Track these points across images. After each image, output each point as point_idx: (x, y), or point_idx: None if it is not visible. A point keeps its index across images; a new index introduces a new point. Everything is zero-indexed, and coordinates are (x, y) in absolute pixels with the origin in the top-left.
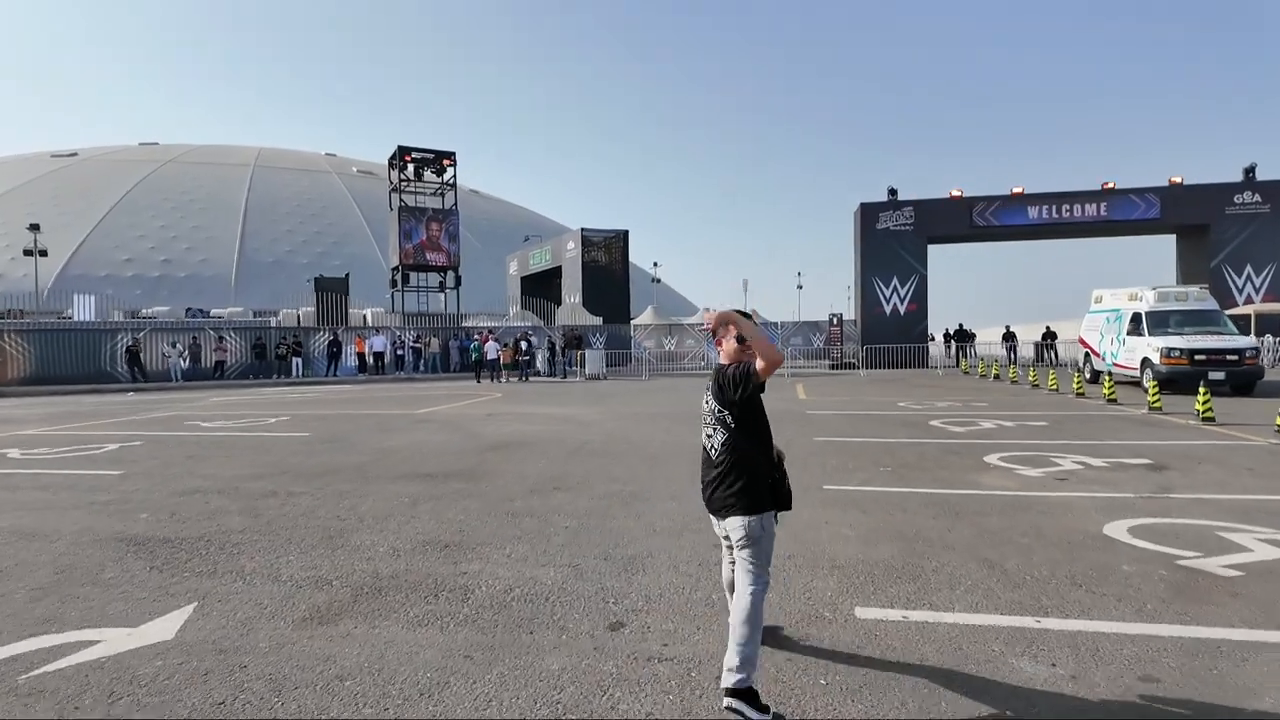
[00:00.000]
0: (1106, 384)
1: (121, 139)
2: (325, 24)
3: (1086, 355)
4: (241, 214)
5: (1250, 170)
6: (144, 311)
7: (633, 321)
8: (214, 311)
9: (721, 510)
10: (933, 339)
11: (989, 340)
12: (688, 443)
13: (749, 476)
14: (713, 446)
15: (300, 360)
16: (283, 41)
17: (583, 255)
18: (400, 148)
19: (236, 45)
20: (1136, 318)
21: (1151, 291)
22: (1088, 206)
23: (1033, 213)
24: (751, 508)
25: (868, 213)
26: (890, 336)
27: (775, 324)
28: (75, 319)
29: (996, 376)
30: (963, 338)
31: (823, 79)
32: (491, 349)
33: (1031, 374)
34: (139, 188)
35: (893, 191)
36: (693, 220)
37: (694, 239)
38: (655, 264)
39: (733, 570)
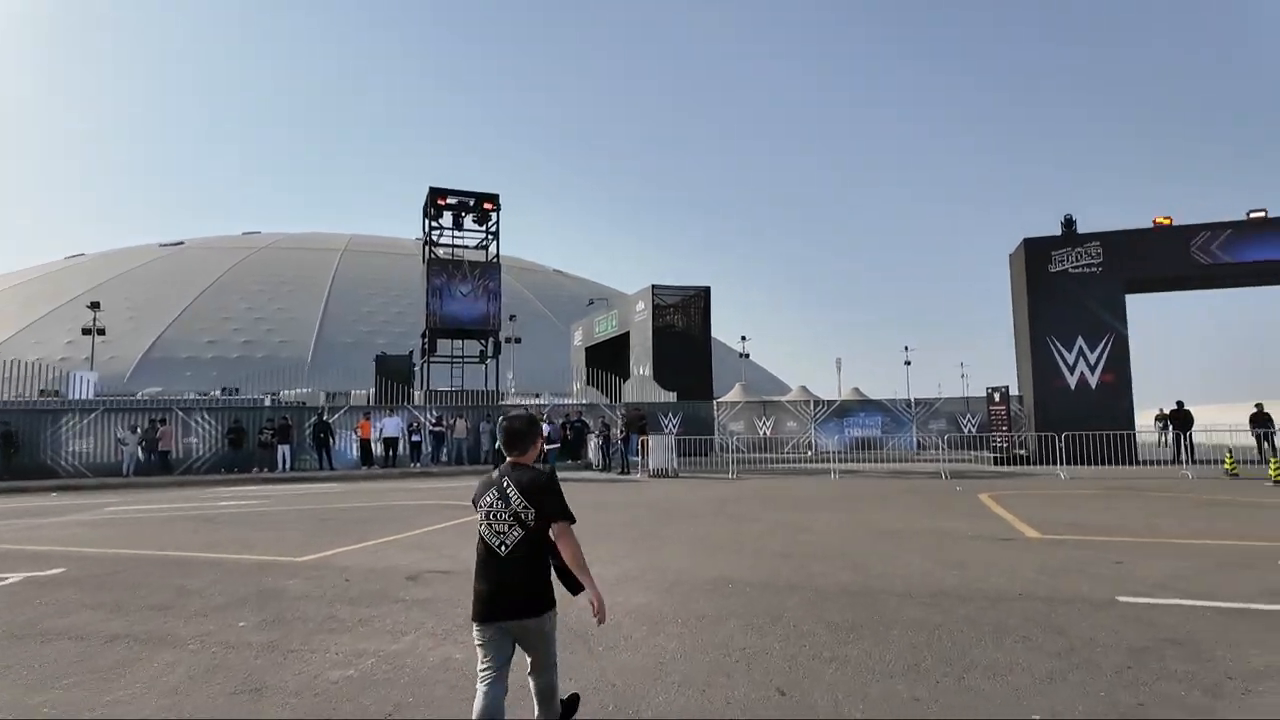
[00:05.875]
0: None
1: (233, 230)
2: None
3: None
4: (325, 296)
5: None
6: (188, 395)
7: (717, 399)
8: (282, 393)
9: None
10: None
11: (1212, 425)
12: None
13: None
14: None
15: (288, 449)
16: (387, 134)
17: (654, 318)
18: (433, 189)
19: (339, 138)
20: None
21: None
22: None
23: None
24: None
25: (1035, 251)
26: (1079, 419)
27: (907, 402)
28: (71, 399)
29: (1278, 481)
30: (1183, 421)
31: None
32: None
33: None
34: (230, 273)
35: (1069, 222)
36: (779, 290)
37: (782, 311)
38: (743, 338)
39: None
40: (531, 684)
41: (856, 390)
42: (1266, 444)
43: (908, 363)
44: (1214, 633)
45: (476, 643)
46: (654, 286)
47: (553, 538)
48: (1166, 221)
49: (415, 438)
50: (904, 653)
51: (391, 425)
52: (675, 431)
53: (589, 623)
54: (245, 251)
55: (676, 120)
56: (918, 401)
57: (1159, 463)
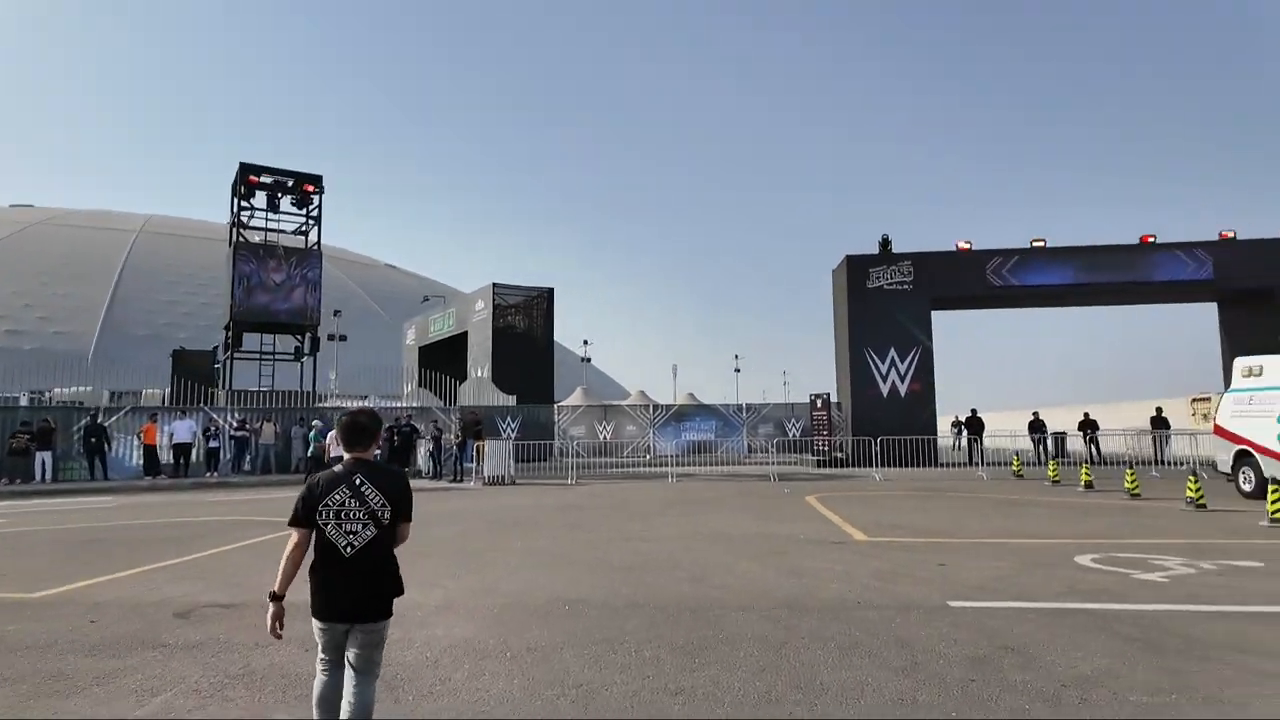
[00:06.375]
0: (1273, 497)
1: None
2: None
3: (1243, 454)
4: (114, 282)
5: None
6: None
7: (558, 403)
8: (55, 391)
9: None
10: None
11: (1001, 430)
12: None
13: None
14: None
15: (49, 456)
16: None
17: (494, 319)
18: (244, 165)
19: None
20: None
21: None
22: (1126, 264)
23: (1058, 271)
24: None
25: (856, 268)
26: (890, 424)
27: (739, 407)
28: None
29: (1055, 481)
30: (976, 427)
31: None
32: None
33: (1084, 474)
34: None
35: (886, 242)
36: (622, 295)
37: (624, 317)
38: (586, 342)
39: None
40: (347, 698)
41: (691, 395)
42: (1042, 447)
43: (737, 370)
44: (1040, 636)
45: (317, 636)
46: (495, 285)
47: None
48: (967, 246)
49: (213, 443)
50: (753, 677)
51: (183, 429)
52: (514, 436)
53: (397, 665)
54: (12, 227)
55: (522, 118)
56: (748, 406)
57: (957, 465)
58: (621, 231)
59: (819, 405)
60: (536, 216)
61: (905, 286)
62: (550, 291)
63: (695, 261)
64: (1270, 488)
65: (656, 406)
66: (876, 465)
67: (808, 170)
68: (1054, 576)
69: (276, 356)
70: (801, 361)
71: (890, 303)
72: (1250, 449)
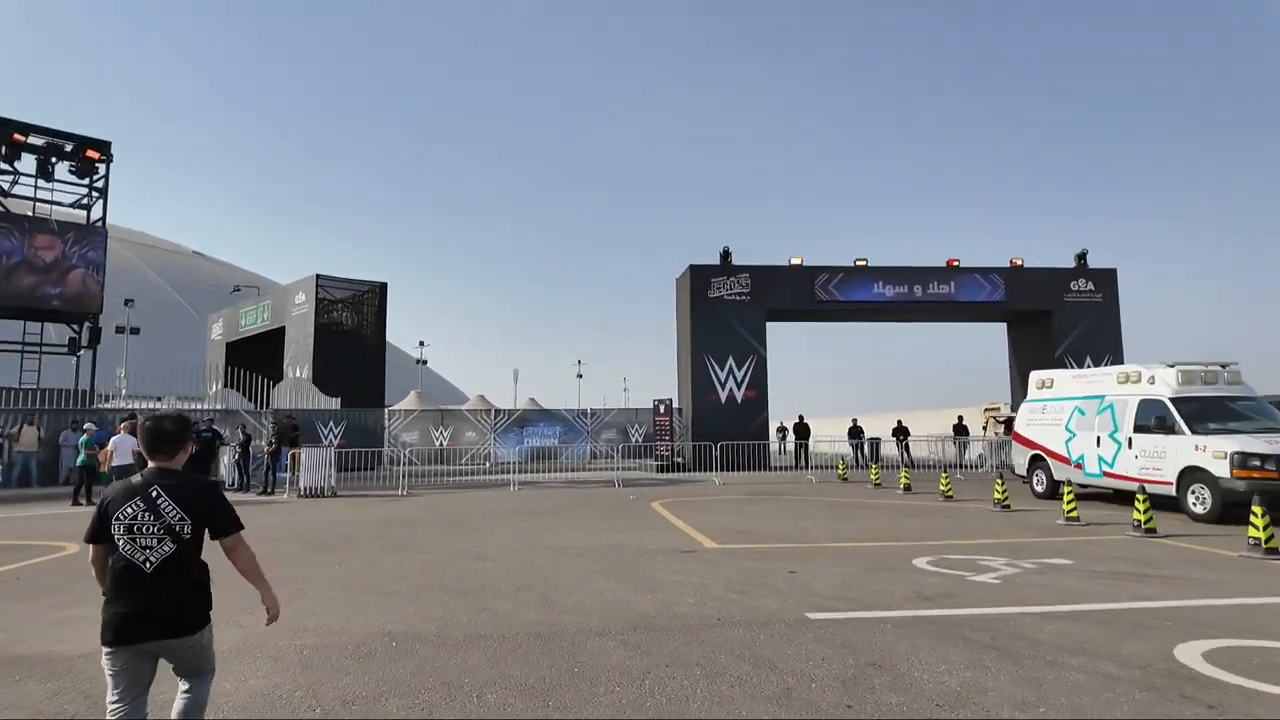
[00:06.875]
0: (1068, 498)
1: None
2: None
3: (1037, 459)
4: None
5: (1082, 256)
6: None
7: (389, 407)
8: None
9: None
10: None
11: (823, 435)
12: None
13: None
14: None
15: None
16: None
17: (318, 314)
18: (5, 121)
19: None
20: (1155, 407)
21: (1171, 370)
22: (935, 285)
23: (878, 288)
24: None
25: (699, 277)
26: (727, 430)
27: (582, 412)
28: None
29: (877, 484)
30: (803, 433)
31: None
32: (126, 446)
33: (903, 477)
34: None
35: (726, 254)
36: (462, 296)
37: (463, 320)
38: (422, 343)
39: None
40: (178, 702)
41: (533, 401)
42: (860, 451)
43: (580, 375)
44: (902, 649)
45: (108, 671)
46: (319, 277)
47: (226, 552)
48: (799, 262)
49: None
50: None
51: None
52: (336, 443)
53: None
54: None
55: (363, 116)
56: (591, 412)
57: (787, 468)
58: (462, 233)
59: (662, 411)
60: (371, 211)
61: (743, 298)
62: (383, 286)
63: (538, 266)
64: (1065, 489)
65: (498, 411)
66: (716, 469)
67: (655, 176)
68: (899, 581)
69: (45, 349)
70: (642, 368)
71: (729, 312)
72: (1043, 454)
